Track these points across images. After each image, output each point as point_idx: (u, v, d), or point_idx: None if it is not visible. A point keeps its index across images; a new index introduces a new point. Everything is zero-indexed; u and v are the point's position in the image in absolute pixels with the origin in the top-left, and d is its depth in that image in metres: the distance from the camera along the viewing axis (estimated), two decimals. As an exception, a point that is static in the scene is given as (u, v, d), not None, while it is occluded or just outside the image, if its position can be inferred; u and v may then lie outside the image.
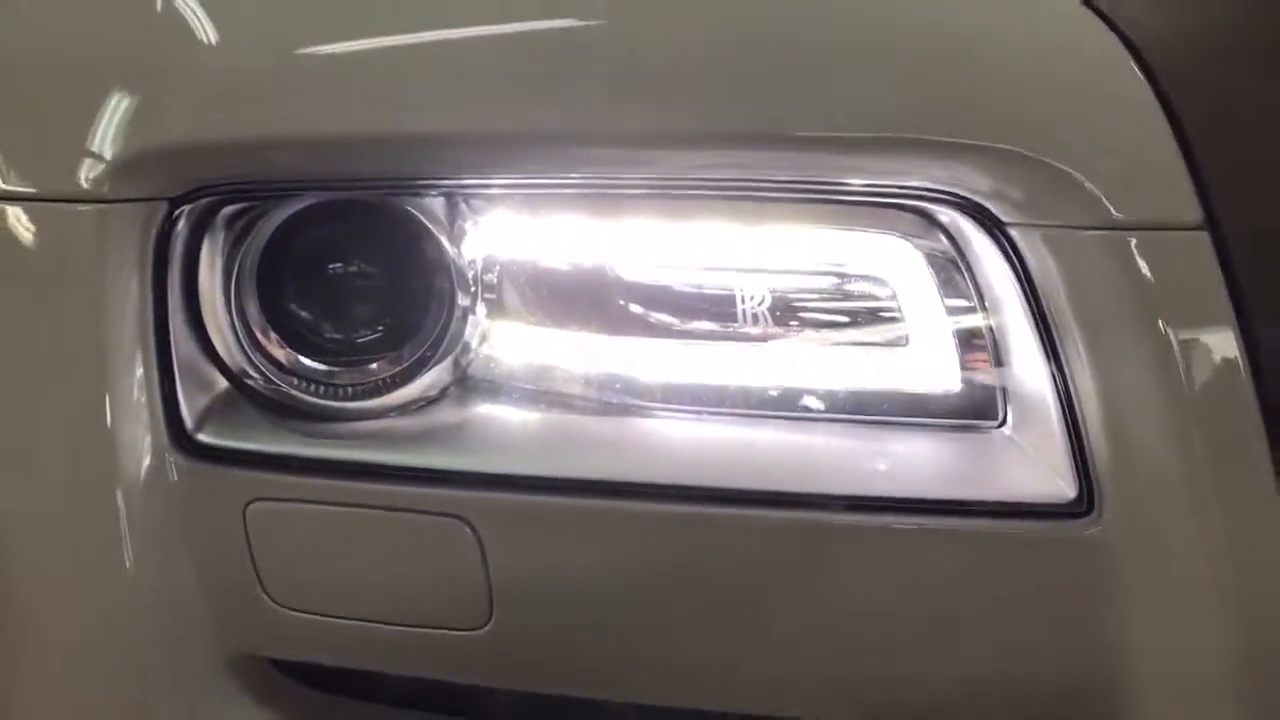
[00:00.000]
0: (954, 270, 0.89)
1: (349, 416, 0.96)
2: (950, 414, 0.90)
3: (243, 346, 0.96)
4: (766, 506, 0.86)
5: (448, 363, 0.96)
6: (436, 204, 0.94)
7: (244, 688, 0.99)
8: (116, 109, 0.92)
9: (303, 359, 0.97)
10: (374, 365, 0.97)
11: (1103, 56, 0.82)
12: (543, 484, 0.89)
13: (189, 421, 0.94)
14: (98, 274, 0.93)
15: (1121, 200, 0.80)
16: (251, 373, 0.97)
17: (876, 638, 0.87)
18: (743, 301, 0.91)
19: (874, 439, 0.90)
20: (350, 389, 0.96)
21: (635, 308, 0.94)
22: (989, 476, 0.86)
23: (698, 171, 0.88)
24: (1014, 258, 0.84)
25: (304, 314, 0.97)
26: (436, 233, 0.94)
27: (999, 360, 0.89)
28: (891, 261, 0.90)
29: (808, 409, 0.91)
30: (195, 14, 0.93)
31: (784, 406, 0.92)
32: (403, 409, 0.96)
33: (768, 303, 0.91)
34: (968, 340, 0.89)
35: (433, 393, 0.96)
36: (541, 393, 0.96)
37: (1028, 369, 0.87)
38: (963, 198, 0.85)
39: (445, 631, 0.91)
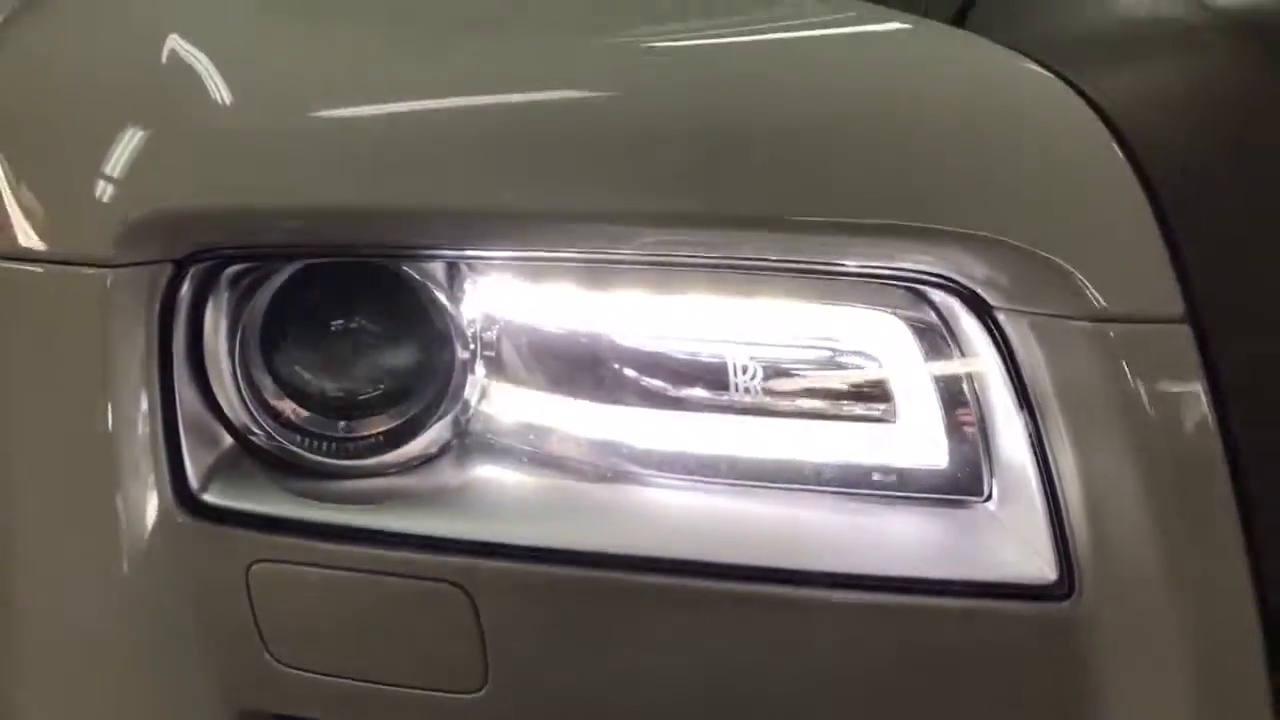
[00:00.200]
0: (943, 347, 0.90)
1: (351, 474, 0.98)
2: (937, 489, 0.92)
3: (246, 403, 0.98)
4: (756, 581, 0.88)
5: (448, 420, 0.98)
6: (436, 266, 0.96)
7: (249, 744, 1.01)
8: (122, 173, 0.94)
9: (306, 414, 0.99)
10: (375, 421, 0.99)
11: (1093, 147, 0.84)
12: (534, 553, 0.91)
13: (194, 482, 0.96)
14: (103, 333, 0.94)
15: (1106, 293, 0.82)
16: (255, 429, 0.98)
17: (861, 713, 0.89)
18: (735, 373, 0.93)
19: (862, 513, 0.92)
20: (352, 446, 0.99)
21: (630, 374, 0.96)
22: (973, 555, 0.88)
23: (690, 250, 0.89)
24: (1000, 341, 0.86)
25: (307, 371, 0.99)
26: (436, 292, 0.96)
27: (985, 437, 0.90)
28: (881, 337, 0.92)
29: (798, 482, 0.93)
30: (203, 79, 0.95)
31: (774, 478, 0.93)
32: (404, 466, 0.98)
33: (759, 375, 0.93)
34: (955, 417, 0.91)
35: (433, 449, 0.98)
36: (537, 454, 0.98)
37: (1013, 447, 0.88)
38: (953, 281, 0.86)
39: (442, 694, 0.93)
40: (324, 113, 0.94)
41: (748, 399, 0.93)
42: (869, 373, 0.93)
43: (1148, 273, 0.82)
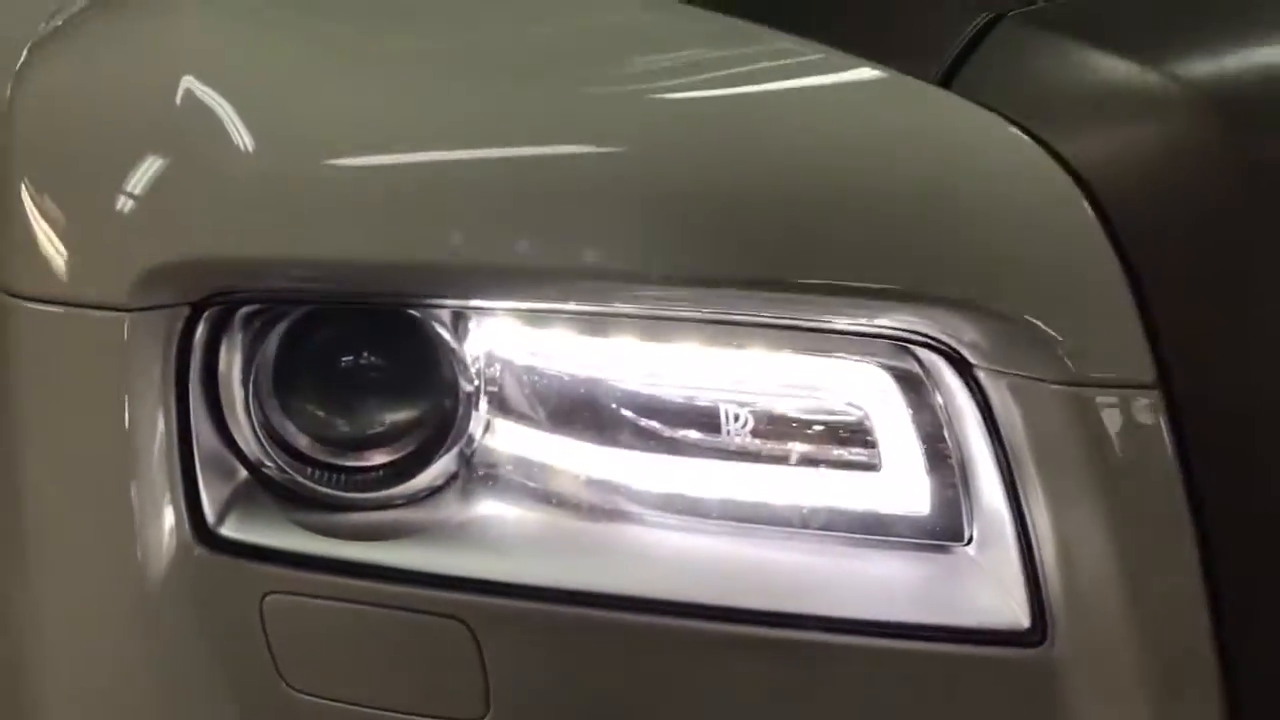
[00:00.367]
0: (926, 398, 0.94)
1: (360, 506, 1.03)
2: (919, 535, 0.96)
3: (259, 437, 1.02)
4: (742, 623, 0.92)
5: (453, 453, 1.02)
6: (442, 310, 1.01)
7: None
8: (140, 219, 0.98)
9: (317, 447, 1.03)
10: (383, 454, 1.03)
11: (1071, 214, 0.87)
12: (532, 592, 0.95)
13: (210, 516, 1.00)
14: (121, 372, 0.99)
15: (1080, 360, 0.86)
16: (267, 461, 1.03)
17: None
18: (727, 420, 0.97)
19: (848, 556, 0.96)
20: (361, 478, 1.03)
21: (628, 417, 1.00)
22: (952, 599, 0.92)
23: (687, 307, 0.93)
24: (980, 398, 0.90)
25: (317, 406, 1.03)
26: (441, 330, 1.00)
27: (966, 484, 0.95)
28: (867, 387, 0.95)
29: (787, 525, 0.97)
30: (223, 124, 0.98)
31: (765, 521, 0.98)
32: (411, 499, 1.02)
33: (750, 423, 0.97)
34: (938, 465, 0.95)
35: (439, 482, 1.03)
36: (538, 490, 1.02)
37: (992, 494, 0.92)
38: (938, 341, 0.90)
39: (447, 722, 0.98)
40: (338, 161, 0.97)
41: (739, 444, 0.98)
42: (855, 421, 0.96)
43: (1121, 341, 0.86)
